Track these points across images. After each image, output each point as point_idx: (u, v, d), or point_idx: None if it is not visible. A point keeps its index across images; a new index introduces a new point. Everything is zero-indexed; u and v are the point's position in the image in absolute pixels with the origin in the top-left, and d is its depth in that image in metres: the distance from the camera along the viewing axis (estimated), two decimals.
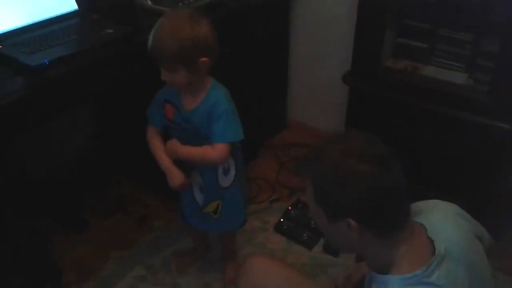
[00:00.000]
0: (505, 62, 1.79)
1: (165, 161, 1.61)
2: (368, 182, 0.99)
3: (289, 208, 2.21)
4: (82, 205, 2.28)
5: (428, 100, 1.96)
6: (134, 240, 2.13)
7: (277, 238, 2.12)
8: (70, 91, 1.70)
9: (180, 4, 1.90)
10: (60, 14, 1.82)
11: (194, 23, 1.45)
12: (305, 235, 2.09)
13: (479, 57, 1.95)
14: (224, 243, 1.99)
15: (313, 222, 2.12)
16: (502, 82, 1.81)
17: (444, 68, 2.04)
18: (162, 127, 1.66)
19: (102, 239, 2.13)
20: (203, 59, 1.46)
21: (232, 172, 1.70)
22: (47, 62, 1.58)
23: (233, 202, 1.75)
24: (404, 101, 2.02)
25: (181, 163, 1.62)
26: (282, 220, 2.17)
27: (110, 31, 1.77)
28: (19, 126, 1.63)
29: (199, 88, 1.55)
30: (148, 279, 1.96)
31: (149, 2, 1.93)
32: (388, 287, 1.03)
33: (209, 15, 1.88)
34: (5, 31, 1.68)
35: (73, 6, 1.85)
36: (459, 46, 1.98)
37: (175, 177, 1.60)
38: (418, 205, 1.16)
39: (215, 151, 1.55)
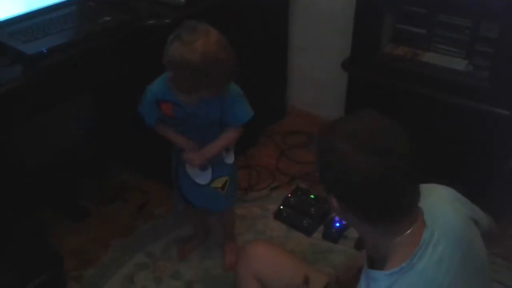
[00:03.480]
0: (504, 47, 1.78)
1: (178, 138, 1.66)
2: (355, 170, 0.97)
3: (289, 195, 2.22)
4: (82, 193, 2.29)
5: (427, 86, 1.95)
6: (134, 227, 2.14)
7: (277, 225, 2.13)
8: (68, 79, 1.70)
9: None
10: (57, 2, 1.81)
11: None
12: (304, 222, 2.10)
13: (479, 42, 1.94)
14: (224, 225, 2.00)
15: (312, 209, 2.13)
16: (502, 67, 1.81)
17: (443, 54, 2.03)
18: (158, 122, 1.67)
19: (102, 226, 2.14)
20: None
21: (232, 149, 1.74)
22: (45, 51, 1.58)
23: (234, 179, 1.81)
24: (403, 88, 2.01)
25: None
26: (281, 207, 2.18)
27: (108, 18, 1.77)
28: (17, 114, 1.63)
29: None
30: (149, 266, 1.98)
31: None
32: (376, 283, 1.03)
33: (208, 3, 1.88)
34: (2, 19, 1.68)
35: None
36: (458, 32, 1.97)
37: (193, 146, 1.66)
38: None
39: (238, 131, 1.64)
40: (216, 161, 1.70)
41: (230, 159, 1.74)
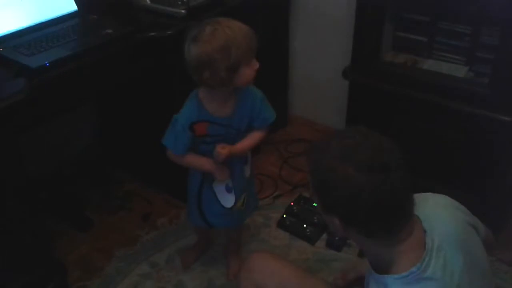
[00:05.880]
0: (504, 54, 1.79)
1: (209, 163, 1.65)
2: (357, 191, 0.98)
3: (292, 204, 2.22)
4: (86, 203, 2.30)
5: (428, 93, 1.95)
6: (138, 237, 2.14)
7: (280, 233, 2.13)
8: (71, 91, 1.72)
9: (179, 2, 1.90)
10: (59, 15, 1.83)
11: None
12: (307, 230, 2.10)
13: (479, 49, 1.95)
14: (231, 236, 2.00)
15: (315, 218, 2.13)
16: (502, 74, 1.81)
17: (444, 61, 2.04)
18: (187, 150, 1.66)
19: (106, 237, 2.14)
20: None
21: (249, 159, 1.76)
22: (48, 64, 1.59)
23: (251, 191, 1.84)
24: (404, 95, 2.01)
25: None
26: (285, 216, 2.18)
27: (110, 31, 1.78)
28: (21, 127, 1.64)
29: (232, 92, 1.60)
30: (153, 276, 1.98)
31: (148, 1, 1.94)
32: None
33: (208, 13, 1.89)
34: (5, 33, 1.70)
35: (72, 7, 1.86)
36: (458, 39, 1.98)
37: (224, 171, 1.67)
38: None
39: (265, 132, 1.70)
40: (237, 178, 1.72)
41: (247, 172, 1.76)
